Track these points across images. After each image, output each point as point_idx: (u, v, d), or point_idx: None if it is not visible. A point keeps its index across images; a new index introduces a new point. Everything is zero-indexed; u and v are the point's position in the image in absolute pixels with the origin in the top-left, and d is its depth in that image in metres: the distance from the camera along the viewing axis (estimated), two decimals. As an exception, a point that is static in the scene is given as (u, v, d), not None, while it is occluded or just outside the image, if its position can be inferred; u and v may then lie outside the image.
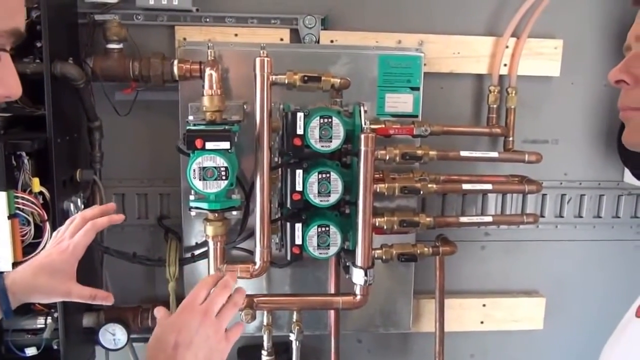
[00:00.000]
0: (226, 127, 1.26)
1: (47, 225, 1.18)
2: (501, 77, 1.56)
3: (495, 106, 1.55)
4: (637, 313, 0.68)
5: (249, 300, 1.36)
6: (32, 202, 1.16)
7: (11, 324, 1.33)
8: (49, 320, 1.33)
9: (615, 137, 1.64)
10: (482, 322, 1.69)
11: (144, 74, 1.35)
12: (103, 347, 1.47)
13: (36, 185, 1.17)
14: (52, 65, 1.22)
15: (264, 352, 1.46)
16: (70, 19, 1.36)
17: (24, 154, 1.16)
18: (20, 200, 1.15)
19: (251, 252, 1.39)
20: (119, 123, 1.45)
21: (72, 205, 1.28)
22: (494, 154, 1.51)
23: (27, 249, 1.17)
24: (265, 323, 1.44)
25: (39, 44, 1.22)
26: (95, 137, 1.44)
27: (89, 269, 1.47)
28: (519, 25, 1.52)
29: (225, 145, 1.21)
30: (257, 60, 1.25)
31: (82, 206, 1.33)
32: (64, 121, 1.28)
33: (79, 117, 1.40)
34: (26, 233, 1.17)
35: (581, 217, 1.72)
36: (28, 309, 1.34)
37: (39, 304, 1.34)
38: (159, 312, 0.90)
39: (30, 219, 1.17)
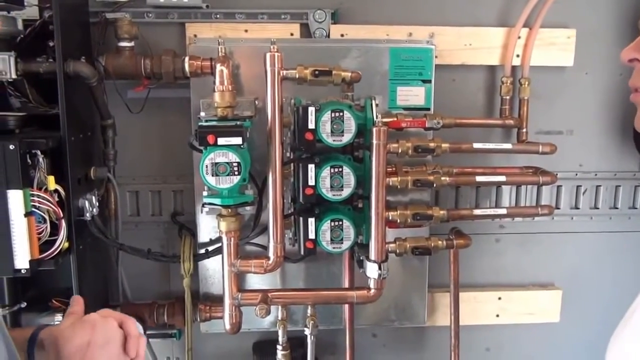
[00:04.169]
0: (238, 122, 1.26)
1: (63, 223, 1.19)
2: (514, 68, 1.54)
3: (508, 97, 1.54)
4: None
5: (263, 295, 1.36)
6: (48, 200, 1.17)
7: (29, 320, 1.34)
8: (66, 317, 1.35)
9: (631, 126, 1.62)
10: (497, 316, 1.68)
11: (155, 72, 1.36)
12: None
13: (51, 183, 1.17)
14: (65, 64, 1.23)
15: (278, 347, 1.46)
16: (81, 17, 1.37)
17: (39, 152, 1.16)
18: (35, 198, 1.16)
19: (265, 247, 1.40)
20: (131, 121, 1.46)
21: (87, 202, 1.29)
22: (508, 146, 1.50)
23: (43, 246, 1.19)
24: (279, 318, 1.44)
25: (51, 44, 1.23)
26: (109, 135, 1.45)
27: (104, 266, 1.49)
28: (531, 15, 1.51)
29: (237, 140, 1.22)
30: (268, 55, 1.25)
31: (97, 203, 1.34)
32: (77, 119, 1.29)
33: (92, 115, 1.41)
34: (42, 231, 1.18)
35: (597, 208, 1.70)
36: (46, 306, 1.36)
37: (56, 300, 1.35)
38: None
39: (46, 217, 1.18)
